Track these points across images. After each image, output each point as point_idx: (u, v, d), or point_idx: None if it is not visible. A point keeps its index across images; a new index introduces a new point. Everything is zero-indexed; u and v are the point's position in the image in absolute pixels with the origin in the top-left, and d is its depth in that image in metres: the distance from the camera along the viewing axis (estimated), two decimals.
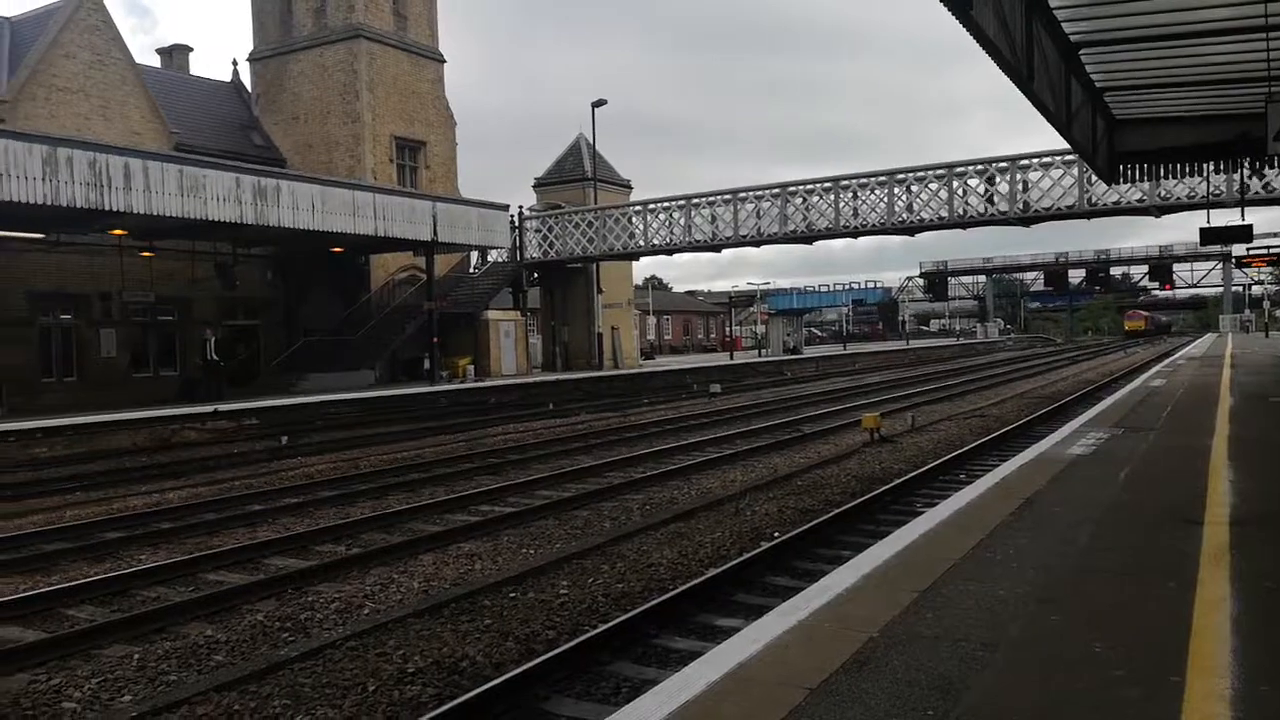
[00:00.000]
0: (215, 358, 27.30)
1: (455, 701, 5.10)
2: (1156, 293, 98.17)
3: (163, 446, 19.38)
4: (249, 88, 37.01)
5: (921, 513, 7.67)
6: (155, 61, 36.80)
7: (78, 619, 7.41)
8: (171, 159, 23.52)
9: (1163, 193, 25.89)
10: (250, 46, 37.09)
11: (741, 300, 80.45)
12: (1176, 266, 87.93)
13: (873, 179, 30.28)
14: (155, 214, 22.31)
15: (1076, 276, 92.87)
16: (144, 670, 6.11)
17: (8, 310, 25.24)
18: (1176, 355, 36.64)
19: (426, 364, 31.03)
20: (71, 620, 7.39)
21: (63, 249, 26.16)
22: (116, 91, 28.91)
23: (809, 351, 59.19)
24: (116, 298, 27.73)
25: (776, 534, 9.17)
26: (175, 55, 37.55)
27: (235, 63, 38.62)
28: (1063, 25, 9.76)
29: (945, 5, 6.40)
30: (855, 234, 31.10)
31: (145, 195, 21.84)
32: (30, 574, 8.93)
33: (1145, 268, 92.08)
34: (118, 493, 13.80)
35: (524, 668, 5.55)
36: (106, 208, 21.32)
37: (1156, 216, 27.43)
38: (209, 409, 21.64)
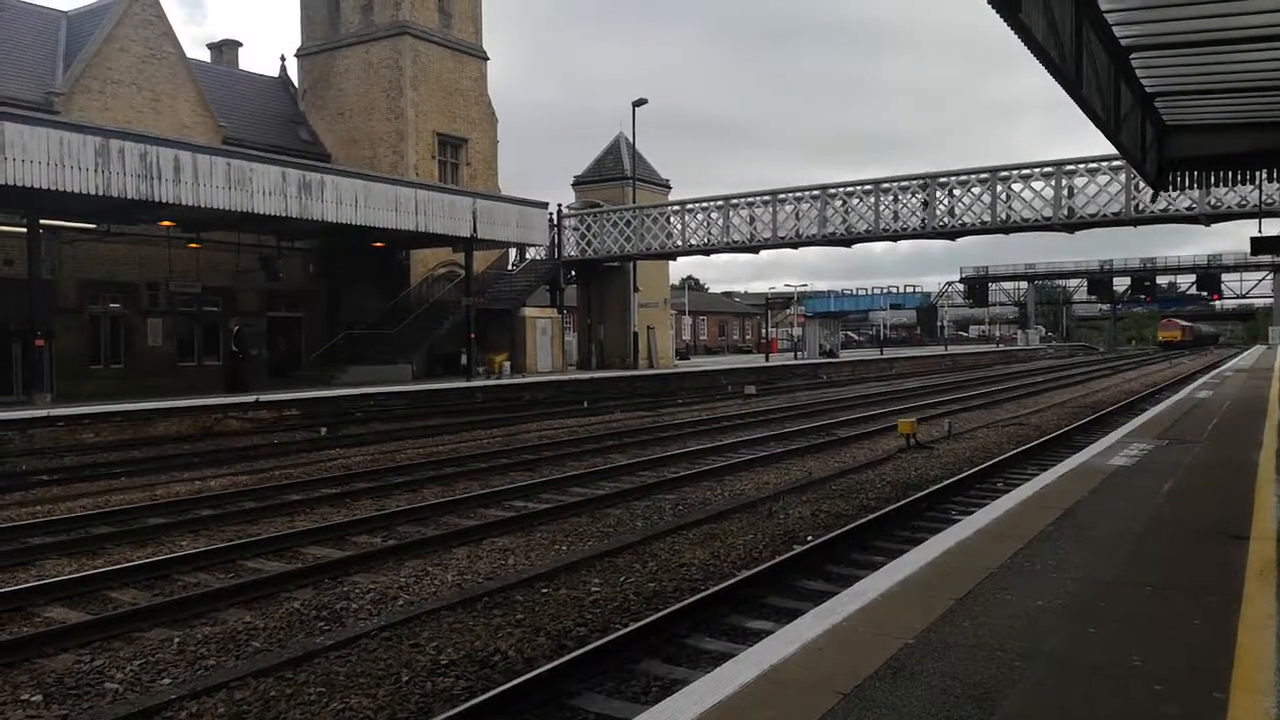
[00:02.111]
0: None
1: (486, 695, 5.14)
2: (1203, 304, 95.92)
3: (205, 435, 19.72)
4: (296, 83, 37.55)
5: (958, 520, 7.59)
6: (205, 56, 37.48)
7: (121, 602, 7.57)
8: (220, 152, 23.94)
9: (1213, 200, 25.36)
10: (298, 42, 37.64)
11: (778, 302, 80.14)
12: (1225, 276, 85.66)
13: (914, 182, 29.98)
14: (203, 206, 22.72)
15: (1121, 284, 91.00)
16: (184, 654, 6.23)
17: (59, 298, 25.83)
18: (1223, 367, 35.88)
19: (464, 359, 31.26)
20: (115, 603, 7.55)
21: (113, 239, 26.73)
22: (168, 85, 29.48)
23: (845, 355, 58.75)
24: (164, 287, 28.31)
25: (810, 537, 9.12)
26: (225, 50, 38.18)
27: (283, 58, 39.25)
28: (1113, 29, 9.57)
29: (993, 6, 6.31)
30: (895, 237, 30.83)
31: (194, 187, 22.26)
32: (76, 557, 9.13)
33: (1192, 277, 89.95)
34: (161, 479, 14.07)
35: (555, 664, 5.58)
36: (156, 199, 21.75)
37: (1206, 225, 26.86)
38: (251, 399, 21.99)
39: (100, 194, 20.74)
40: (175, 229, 26.63)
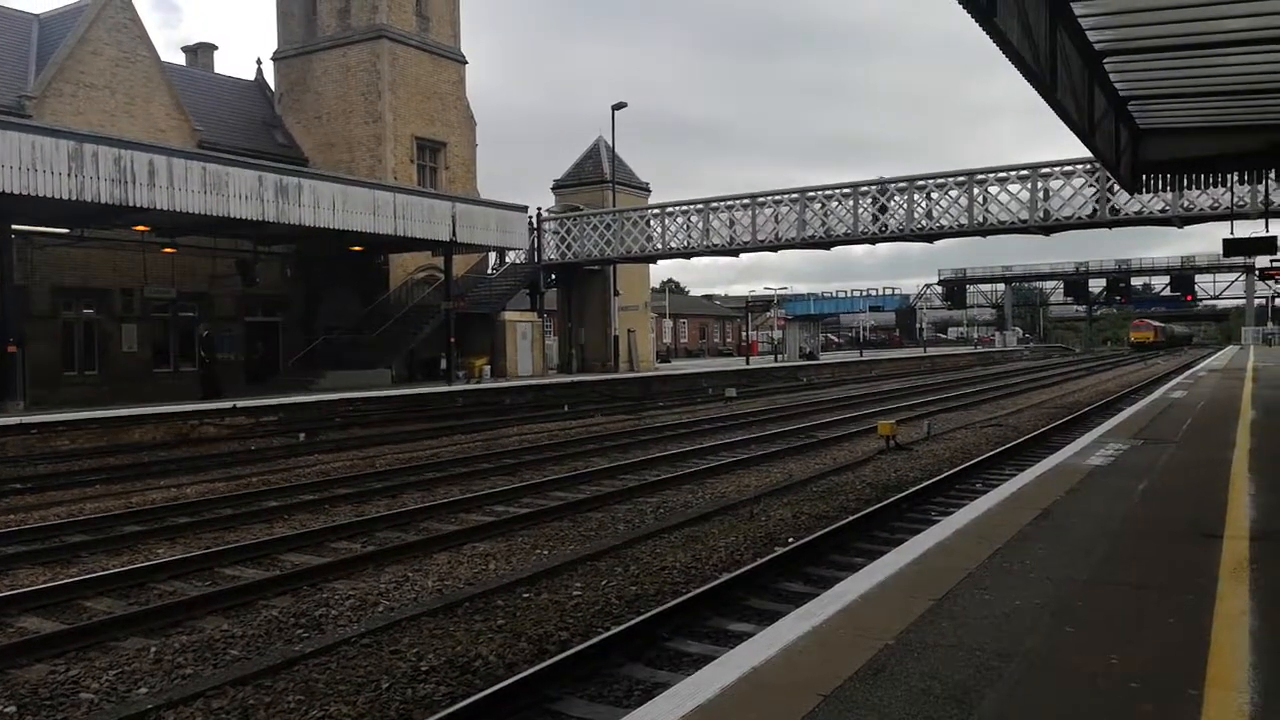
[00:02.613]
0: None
1: (468, 700, 5.12)
2: (1177, 305, 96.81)
3: (182, 441, 19.53)
4: (272, 86, 37.31)
5: (937, 521, 7.64)
6: (181, 59, 37.17)
7: (96, 611, 7.48)
8: (195, 156, 23.75)
9: (1186, 203, 25.69)
10: (275, 46, 37.39)
11: (758, 305, 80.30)
12: (1199, 278, 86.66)
13: (892, 185, 30.16)
14: (178, 210, 22.53)
15: (1097, 286, 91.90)
16: (160, 663, 6.16)
17: (32, 304, 25.51)
18: (1198, 367, 36.31)
19: (443, 364, 31.15)
20: (90, 612, 7.46)
21: (86, 244, 26.44)
22: (142, 88, 29.22)
23: (825, 357, 59.01)
24: (139, 293, 28.03)
25: (791, 539, 9.14)
26: (200, 53, 37.88)
27: (259, 61, 38.97)
28: (1087, 34, 9.68)
29: (968, 11, 6.37)
30: (874, 240, 31.00)
31: (169, 192, 22.07)
32: (50, 566, 9.01)
33: (1167, 278, 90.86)
34: (137, 486, 13.92)
35: (536, 668, 5.56)
36: (131, 204, 21.54)
37: (1179, 227, 27.22)
38: (228, 405, 21.80)
39: (73, 199, 20.53)
40: (150, 234, 26.38)
